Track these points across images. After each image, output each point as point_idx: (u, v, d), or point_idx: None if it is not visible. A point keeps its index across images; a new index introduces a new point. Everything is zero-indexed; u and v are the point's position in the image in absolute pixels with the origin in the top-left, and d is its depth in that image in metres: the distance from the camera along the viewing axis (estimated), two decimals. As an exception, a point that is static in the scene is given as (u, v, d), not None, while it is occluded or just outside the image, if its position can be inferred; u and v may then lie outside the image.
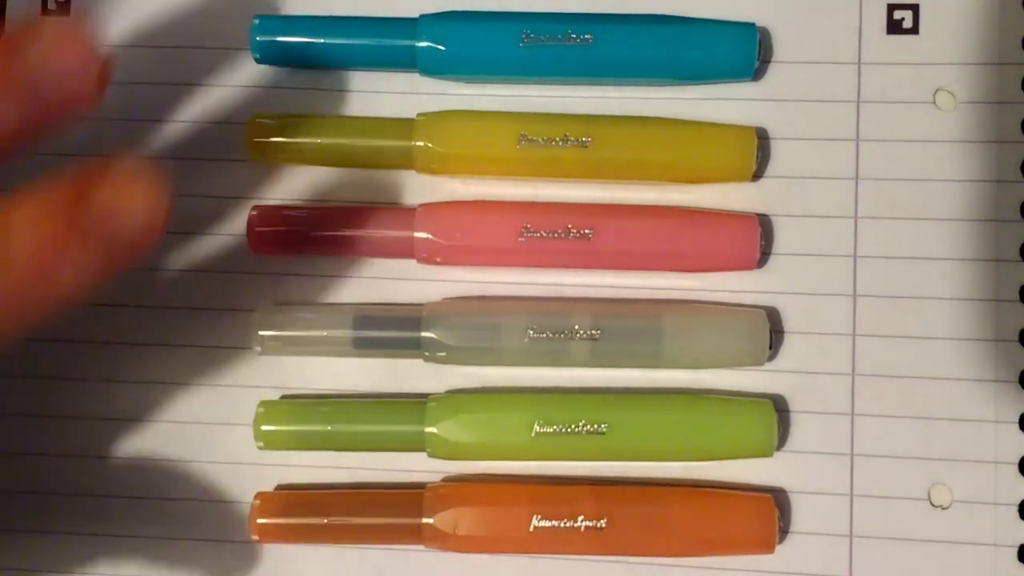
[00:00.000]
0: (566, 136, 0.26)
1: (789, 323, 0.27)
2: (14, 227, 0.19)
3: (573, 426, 0.26)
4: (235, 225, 0.28)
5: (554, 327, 0.26)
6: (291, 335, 0.27)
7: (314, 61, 0.28)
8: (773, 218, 0.27)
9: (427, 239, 0.26)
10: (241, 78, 0.28)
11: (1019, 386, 0.26)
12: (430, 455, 0.26)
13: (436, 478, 0.27)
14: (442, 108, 0.28)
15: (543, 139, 0.26)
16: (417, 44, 0.27)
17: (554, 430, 0.26)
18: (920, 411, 0.26)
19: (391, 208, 0.28)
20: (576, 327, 0.26)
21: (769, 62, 0.27)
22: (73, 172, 0.20)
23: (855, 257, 0.27)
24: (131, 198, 0.20)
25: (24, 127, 0.20)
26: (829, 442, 0.27)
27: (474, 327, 0.26)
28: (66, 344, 0.28)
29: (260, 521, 0.26)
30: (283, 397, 0.27)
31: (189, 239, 0.28)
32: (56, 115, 0.20)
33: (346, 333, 0.26)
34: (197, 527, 0.27)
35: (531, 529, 0.26)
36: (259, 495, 0.27)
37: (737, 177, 0.27)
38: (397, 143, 0.27)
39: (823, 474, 0.26)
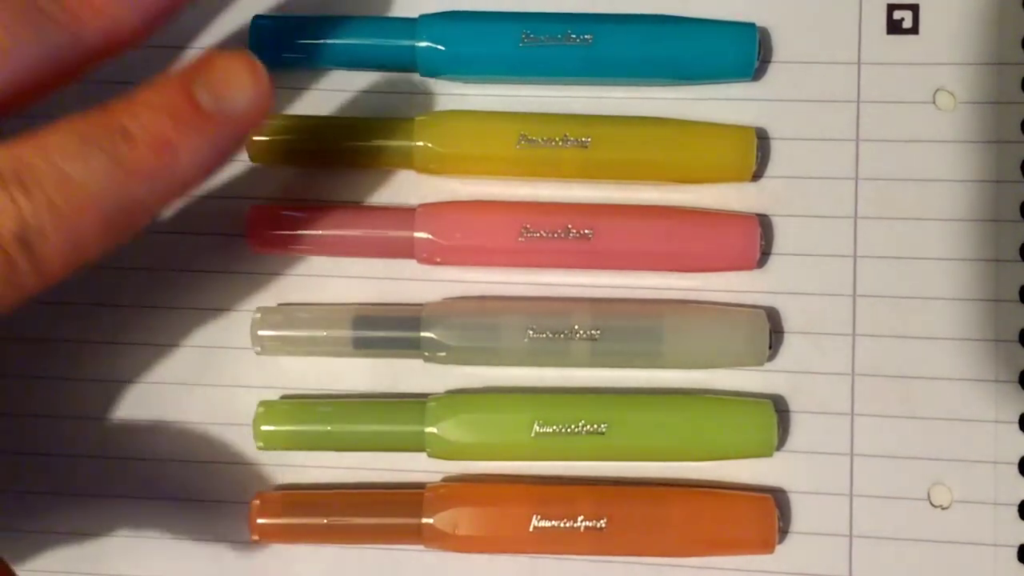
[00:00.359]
0: (566, 136, 0.26)
1: (789, 323, 0.27)
2: (135, 107, 0.21)
3: (573, 426, 0.26)
4: (235, 225, 0.28)
5: (554, 327, 0.26)
6: (291, 335, 0.27)
7: (314, 61, 0.28)
8: (773, 218, 0.27)
9: (427, 239, 0.26)
10: (241, 78, 0.28)
11: (1019, 386, 0.26)
12: (430, 455, 0.26)
13: (436, 478, 0.27)
14: (442, 108, 0.28)
15: (543, 139, 0.26)
16: (417, 44, 0.27)
17: (554, 430, 0.26)
18: (920, 411, 0.26)
19: (391, 208, 0.28)
20: (576, 327, 0.26)
21: (769, 62, 0.27)
22: (182, 66, 0.22)
23: (855, 257, 0.27)
24: (238, 75, 0.22)
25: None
26: (829, 442, 0.27)
27: (474, 327, 0.26)
28: (65, 342, 0.28)
29: (260, 521, 0.26)
30: (283, 397, 0.27)
31: (189, 239, 0.28)
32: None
33: (346, 333, 0.26)
34: (197, 527, 0.27)
35: (531, 529, 0.26)
36: (259, 495, 0.27)
37: (737, 177, 0.27)
38: (397, 143, 0.27)
39: (823, 474, 0.26)
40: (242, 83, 0.22)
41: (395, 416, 0.26)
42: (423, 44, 0.27)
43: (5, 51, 0.21)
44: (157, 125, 0.21)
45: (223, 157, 0.22)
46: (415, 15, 0.27)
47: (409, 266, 0.27)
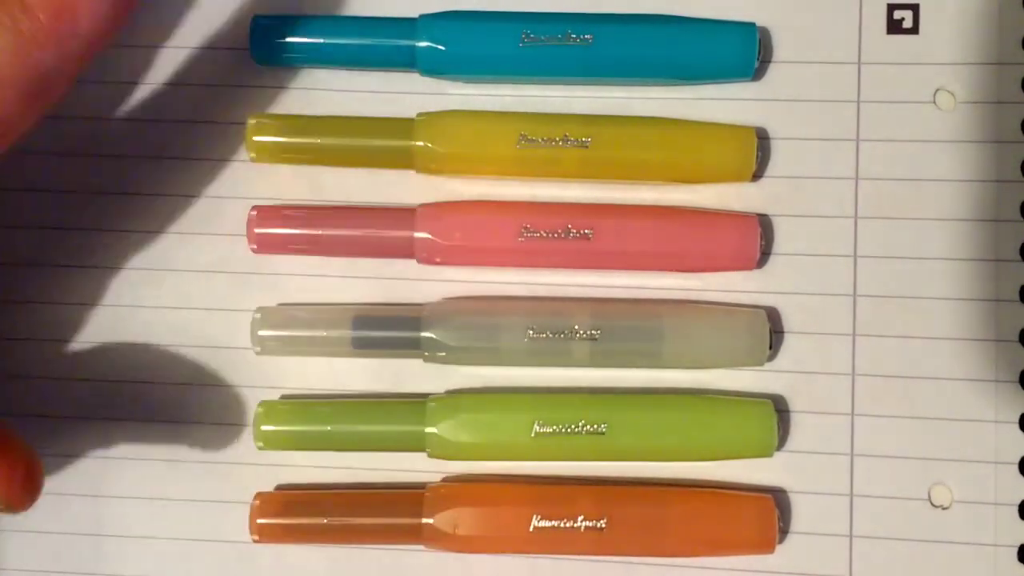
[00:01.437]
0: (566, 136, 0.26)
1: (789, 323, 0.27)
2: None
3: (573, 426, 0.26)
4: (235, 225, 0.28)
5: (554, 327, 0.26)
6: (291, 335, 0.27)
7: (314, 61, 0.28)
8: (773, 218, 0.27)
9: (427, 239, 0.26)
10: (241, 78, 0.28)
11: (1019, 386, 0.26)
12: (430, 455, 0.26)
13: (436, 478, 0.27)
14: (442, 108, 0.28)
15: (543, 139, 0.26)
16: (417, 44, 0.27)
17: (554, 430, 0.26)
18: (920, 411, 0.26)
19: (391, 208, 0.28)
20: (576, 327, 0.26)
21: (769, 62, 0.27)
22: None
23: (855, 257, 0.27)
24: None
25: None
26: (829, 442, 0.27)
27: (474, 327, 0.26)
28: (65, 342, 0.28)
29: (260, 521, 0.26)
30: (283, 397, 0.27)
31: (189, 239, 0.28)
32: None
33: (346, 333, 0.26)
34: (197, 526, 0.27)
35: (531, 529, 0.26)
36: (259, 495, 0.27)
37: (737, 177, 0.27)
38: (397, 143, 0.27)
39: (823, 474, 0.26)
40: None
41: (395, 416, 0.26)
42: (423, 44, 0.27)
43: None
44: None
45: (124, 10, 0.22)
46: (415, 15, 0.27)
47: (409, 266, 0.27)
